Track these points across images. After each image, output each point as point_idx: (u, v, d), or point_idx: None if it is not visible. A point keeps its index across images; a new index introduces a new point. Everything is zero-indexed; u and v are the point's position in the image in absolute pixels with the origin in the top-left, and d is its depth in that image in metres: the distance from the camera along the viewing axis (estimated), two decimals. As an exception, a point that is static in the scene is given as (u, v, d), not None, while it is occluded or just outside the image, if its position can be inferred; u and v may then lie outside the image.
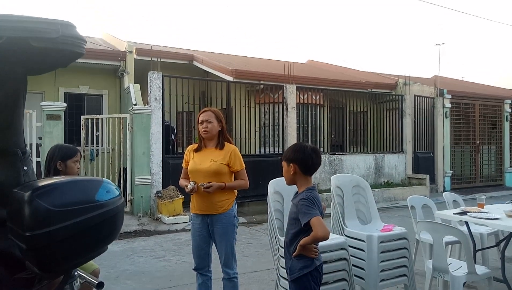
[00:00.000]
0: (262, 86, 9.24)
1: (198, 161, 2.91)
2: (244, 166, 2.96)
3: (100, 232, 1.50)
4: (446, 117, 11.79)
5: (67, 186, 1.48)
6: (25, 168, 1.81)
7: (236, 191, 3.01)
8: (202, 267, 3.02)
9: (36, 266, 1.43)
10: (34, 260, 1.42)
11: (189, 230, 6.67)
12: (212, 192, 2.77)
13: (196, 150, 2.98)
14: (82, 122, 8.02)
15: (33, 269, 1.46)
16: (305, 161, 2.15)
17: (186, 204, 7.20)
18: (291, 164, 2.16)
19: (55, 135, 7.23)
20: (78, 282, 1.73)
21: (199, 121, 2.92)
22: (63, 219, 1.37)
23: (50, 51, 1.40)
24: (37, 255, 1.39)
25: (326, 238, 2.00)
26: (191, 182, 2.82)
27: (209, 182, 2.76)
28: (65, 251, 1.41)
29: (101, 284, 1.68)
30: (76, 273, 1.68)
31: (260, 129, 9.11)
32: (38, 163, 7.26)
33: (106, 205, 1.50)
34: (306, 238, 2.04)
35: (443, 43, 12.09)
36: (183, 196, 7.09)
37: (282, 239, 2.52)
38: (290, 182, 2.22)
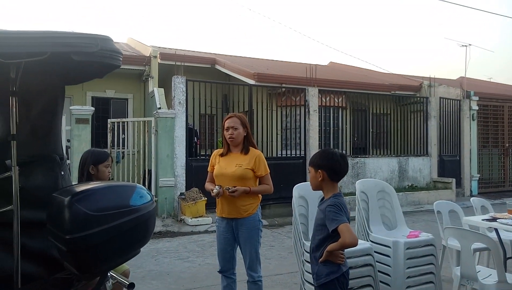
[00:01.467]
0: (283, 89, 9.26)
1: (223, 166, 2.96)
2: (269, 171, 2.99)
3: (134, 235, 1.57)
4: (473, 120, 11.47)
5: (103, 191, 1.55)
6: (62, 173, 1.90)
7: (260, 196, 3.04)
8: (227, 270, 3.06)
9: (74, 268, 1.51)
10: (73, 261, 1.49)
11: (212, 231, 6.76)
12: (237, 196, 2.81)
13: (222, 155, 3.03)
14: (109, 125, 8.25)
15: (72, 270, 1.54)
16: (333, 167, 2.15)
17: (209, 206, 7.30)
18: (319, 170, 2.16)
19: (83, 138, 7.47)
20: (111, 282, 1.80)
21: (225, 128, 2.97)
22: (101, 223, 1.44)
23: (89, 64, 1.48)
24: (76, 257, 1.47)
25: (354, 245, 2.00)
26: (217, 186, 2.87)
27: (234, 187, 2.81)
28: (102, 253, 1.48)
29: (132, 285, 1.74)
30: (109, 274, 1.74)
31: (281, 132, 9.12)
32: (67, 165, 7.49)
33: (139, 210, 1.56)
34: (333, 244, 2.04)
35: (469, 44, 11.73)
36: (206, 198, 7.18)
37: (307, 243, 2.53)
38: (316, 188, 2.22)
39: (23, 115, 1.73)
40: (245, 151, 2.96)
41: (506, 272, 2.96)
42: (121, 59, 1.51)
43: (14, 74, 1.55)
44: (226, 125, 2.97)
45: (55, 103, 1.78)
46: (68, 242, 1.42)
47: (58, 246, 1.51)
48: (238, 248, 3.07)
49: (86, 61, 1.40)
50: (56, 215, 1.51)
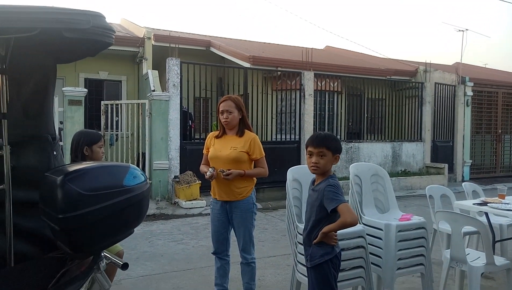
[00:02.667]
0: (279, 72, 9.19)
1: (218, 148, 2.96)
2: (264, 155, 2.99)
3: (127, 215, 1.57)
4: (468, 106, 11.52)
5: (96, 171, 1.54)
6: (55, 153, 1.88)
7: (255, 179, 3.04)
8: (220, 252, 3.10)
9: (67, 247, 1.51)
10: (66, 241, 1.49)
11: (206, 214, 6.80)
12: (232, 179, 2.81)
13: (217, 137, 3.03)
14: (102, 108, 8.16)
15: (65, 249, 1.54)
16: (341, 150, 2.22)
17: (203, 189, 7.32)
18: (337, 154, 2.17)
19: (76, 120, 7.39)
20: (104, 262, 1.81)
21: (220, 111, 2.96)
22: (94, 202, 1.43)
23: (80, 41, 1.45)
24: (69, 236, 1.46)
25: (354, 224, 2.01)
26: (211, 169, 2.87)
27: (229, 169, 2.81)
28: (95, 233, 1.48)
29: (125, 265, 1.75)
30: (102, 254, 1.75)
31: (276, 116, 9.10)
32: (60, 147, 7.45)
33: (133, 190, 1.55)
34: (331, 225, 2.06)
35: (466, 30, 11.68)
36: (200, 181, 7.20)
37: (300, 225, 2.55)
38: (324, 173, 2.18)
39: (14, 94, 1.70)
40: (240, 133, 2.95)
41: (494, 254, 3.02)
42: (113, 37, 1.48)
43: (4, 51, 1.52)
44: (220, 108, 2.96)
45: (46, 82, 1.75)
46: (61, 221, 1.41)
47: (51, 225, 1.51)
48: (232, 230, 3.09)
49: (77, 39, 1.37)
50: (48, 195, 1.50)
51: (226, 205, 2.95)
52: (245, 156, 2.89)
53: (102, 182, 1.48)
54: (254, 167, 2.99)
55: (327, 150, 2.14)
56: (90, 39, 1.39)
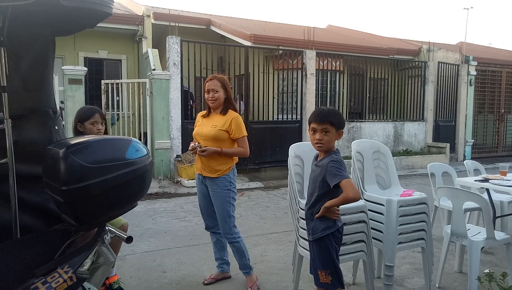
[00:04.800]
0: (280, 51, 9.08)
1: (201, 126, 3.03)
2: (245, 134, 3.00)
3: (130, 188, 1.57)
4: (471, 85, 11.41)
5: (98, 144, 1.53)
6: (56, 127, 1.87)
7: (236, 158, 3.07)
8: (212, 226, 3.15)
9: (72, 219, 1.52)
10: (70, 213, 1.50)
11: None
12: (206, 156, 2.88)
13: (204, 116, 3.09)
14: (102, 87, 8.12)
15: (70, 221, 1.55)
16: (344, 125, 2.19)
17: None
18: (340, 130, 2.16)
19: (77, 99, 7.37)
20: (109, 236, 1.82)
21: (206, 90, 2.99)
22: (97, 175, 1.43)
23: (78, 11, 1.42)
24: (73, 208, 1.47)
25: (357, 199, 2.01)
26: (196, 143, 2.96)
27: (206, 147, 2.88)
28: (99, 205, 1.48)
29: (130, 239, 1.76)
30: (107, 228, 1.76)
31: (278, 96, 9.04)
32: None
33: (135, 163, 1.55)
34: (334, 199, 2.06)
35: (471, 7, 11.46)
36: (202, 161, 7.22)
37: (302, 201, 2.57)
38: (328, 149, 2.16)
39: (13, 67, 1.68)
40: (224, 112, 2.98)
41: (494, 230, 3.05)
42: (112, 6, 1.45)
43: (1, 22, 1.49)
44: (206, 87, 2.98)
45: (46, 55, 1.72)
46: (65, 193, 1.41)
47: (55, 198, 1.51)
48: None
49: (75, 8, 1.33)
50: (51, 168, 1.50)
51: (205, 180, 3.01)
52: (225, 134, 2.92)
53: (104, 155, 1.48)
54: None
55: (331, 126, 2.12)
56: (88, 8, 1.35)
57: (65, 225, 1.67)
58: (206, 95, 3.00)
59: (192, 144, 2.94)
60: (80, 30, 1.73)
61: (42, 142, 1.68)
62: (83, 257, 1.54)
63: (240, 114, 9.42)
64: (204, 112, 3.13)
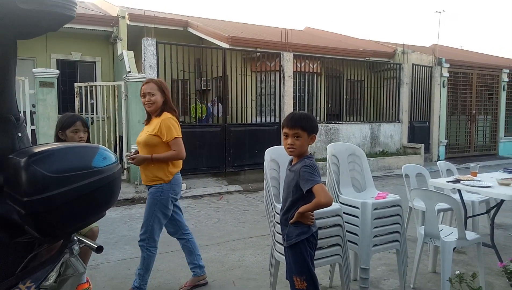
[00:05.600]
0: (258, 53, 9.09)
1: (141, 133, 2.98)
2: (177, 136, 2.85)
3: (97, 198, 1.51)
4: (444, 86, 11.74)
5: (63, 152, 1.47)
6: (20, 134, 1.79)
7: (178, 165, 2.94)
8: (174, 232, 3.13)
9: (35, 231, 1.45)
10: (33, 224, 1.43)
11: (187, 197, 6.77)
12: (137, 164, 2.83)
13: (146, 123, 3.01)
14: (75, 90, 7.91)
15: (33, 233, 1.48)
16: (318, 130, 2.18)
17: (183, 172, 7.23)
18: (313, 134, 2.14)
19: (49, 103, 7.14)
20: (78, 246, 1.76)
21: (142, 94, 2.91)
22: (60, 184, 1.37)
23: (39, 14, 1.35)
24: (36, 220, 1.40)
25: (329, 204, 2.00)
26: (132, 151, 2.93)
27: (136, 154, 2.84)
28: (64, 216, 1.42)
29: (100, 248, 1.70)
30: (75, 238, 1.70)
31: (256, 98, 9.04)
32: (32, 130, 7.21)
33: (103, 172, 1.50)
34: (307, 205, 2.05)
35: (443, 11, 11.82)
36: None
37: (278, 206, 2.55)
38: (301, 154, 2.14)
39: (-29, 72, 1.60)
40: (159, 116, 2.88)
41: (466, 230, 3.12)
42: (75, 9, 1.39)
43: (-43, 25, 1.41)
44: (142, 91, 2.90)
45: (6, 59, 1.64)
46: (27, 204, 1.35)
47: (17, 209, 1.44)
48: (178, 209, 3.13)
49: (36, 11, 1.27)
50: (13, 178, 1.43)
51: (147, 188, 2.97)
52: (155, 139, 2.80)
53: (69, 164, 1.42)
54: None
55: (302, 130, 2.10)
56: (49, 11, 1.30)
57: (29, 238, 1.60)
58: (142, 100, 2.91)
59: (127, 153, 2.86)
60: (43, 33, 1.66)
61: (4, 151, 1.61)
62: (48, 271, 1.47)
63: (218, 116, 9.24)
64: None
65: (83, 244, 1.75)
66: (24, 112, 6.84)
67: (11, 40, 1.61)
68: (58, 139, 2.68)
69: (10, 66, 1.66)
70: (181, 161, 2.99)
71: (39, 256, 1.55)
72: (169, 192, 2.88)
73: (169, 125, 2.82)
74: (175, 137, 2.83)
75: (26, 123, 2.64)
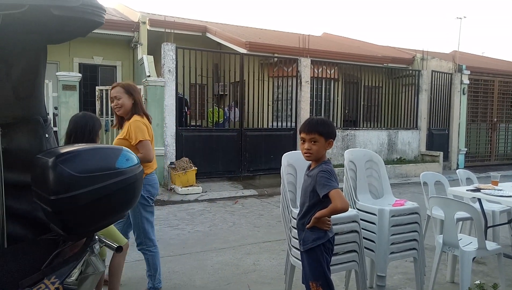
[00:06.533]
0: (276, 59, 9.13)
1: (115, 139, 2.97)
2: (143, 139, 2.79)
3: (120, 198, 1.56)
4: (464, 94, 11.52)
5: (88, 153, 1.52)
6: (47, 135, 1.86)
7: (150, 166, 2.90)
8: (138, 243, 3.06)
9: (60, 228, 1.50)
10: (58, 222, 1.49)
11: (202, 200, 6.82)
12: None
13: (119, 127, 2.99)
14: (97, 93, 8.09)
15: (58, 231, 1.53)
16: (335, 135, 2.18)
17: (199, 176, 7.33)
18: (330, 139, 2.14)
19: (71, 105, 7.33)
20: (98, 245, 1.81)
21: (110, 99, 2.90)
22: (86, 184, 1.42)
23: (70, 20, 1.41)
24: (62, 218, 1.46)
25: (345, 210, 2.00)
26: None
27: None
28: (88, 215, 1.47)
29: (119, 248, 1.75)
30: (96, 237, 1.75)
31: (273, 103, 9.07)
32: (54, 132, 7.40)
33: (125, 173, 1.54)
34: (323, 210, 2.06)
35: (464, 17, 11.62)
36: (196, 168, 7.20)
37: (295, 210, 2.56)
38: (318, 158, 2.16)
39: (3, 75, 1.67)
40: (129, 119, 2.85)
41: (486, 240, 3.06)
42: (104, 15, 1.44)
43: (-8, 30, 1.49)
44: (110, 96, 2.89)
45: (37, 63, 1.72)
46: (53, 203, 1.40)
47: (44, 207, 1.50)
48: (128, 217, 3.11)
49: (67, 17, 1.33)
50: (40, 177, 1.49)
51: None
52: (125, 143, 2.74)
53: (94, 164, 1.47)
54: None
55: (319, 135, 2.11)
56: (79, 18, 1.35)
57: (54, 235, 1.65)
58: (111, 104, 2.91)
59: None
60: (72, 38, 1.73)
61: (32, 151, 1.67)
62: (71, 268, 1.52)
63: (234, 121, 9.27)
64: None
65: (104, 244, 1.80)
66: (47, 114, 7.04)
67: (42, 45, 1.69)
68: (95, 137, 2.63)
69: (40, 70, 1.73)
70: (153, 162, 2.96)
71: (63, 253, 1.60)
72: (143, 192, 2.85)
73: (137, 127, 2.78)
74: (141, 140, 2.77)
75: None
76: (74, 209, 1.43)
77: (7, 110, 1.66)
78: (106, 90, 8.10)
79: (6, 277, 1.40)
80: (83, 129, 2.57)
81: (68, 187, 1.39)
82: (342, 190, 2.86)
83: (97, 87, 8.33)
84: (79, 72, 8.93)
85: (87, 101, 9.50)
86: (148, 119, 2.97)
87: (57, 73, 7.51)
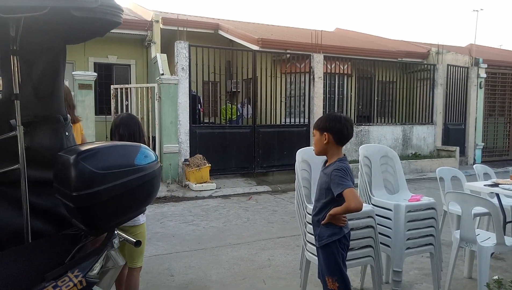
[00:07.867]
0: (288, 55, 9.10)
1: None
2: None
3: (139, 194, 1.59)
4: (481, 88, 11.30)
5: (108, 150, 1.56)
6: (67, 133, 1.91)
7: None
8: None
9: (82, 224, 1.55)
10: (80, 218, 1.53)
11: (216, 197, 6.88)
12: None
13: None
14: (112, 92, 8.21)
15: (80, 226, 1.58)
16: (340, 130, 2.13)
17: (213, 172, 7.38)
18: (324, 133, 2.14)
19: (87, 104, 7.46)
20: (118, 240, 1.85)
21: None
22: (106, 181, 1.46)
23: (89, 21, 1.45)
24: (83, 214, 1.50)
25: (358, 210, 2.01)
26: None
27: None
28: (109, 210, 1.51)
29: (138, 243, 1.79)
30: (116, 232, 1.79)
31: (286, 99, 9.05)
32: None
33: (144, 169, 1.58)
34: (337, 208, 2.06)
35: (481, 9, 11.39)
36: (210, 165, 7.26)
37: (309, 206, 2.57)
38: (321, 152, 2.20)
39: (25, 75, 1.72)
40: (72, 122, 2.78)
41: (504, 235, 3.01)
42: (122, 15, 1.48)
43: (14, 31, 1.53)
44: None
45: (57, 63, 1.76)
46: (75, 199, 1.44)
47: (66, 203, 1.54)
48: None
49: (86, 18, 1.37)
50: (62, 173, 1.53)
51: None
52: None
53: (114, 161, 1.51)
54: None
55: (316, 130, 2.20)
56: (98, 18, 1.38)
57: (75, 230, 1.70)
58: None
59: None
60: (90, 38, 1.77)
61: (53, 148, 1.72)
62: (93, 262, 1.56)
63: (247, 117, 9.30)
64: None
65: (123, 239, 1.84)
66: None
67: (62, 45, 1.73)
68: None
69: (60, 69, 1.78)
70: None
71: (85, 248, 1.65)
72: None
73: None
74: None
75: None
76: (95, 205, 1.47)
77: (28, 109, 1.71)
78: (121, 88, 8.21)
79: (31, 270, 1.45)
80: (134, 131, 2.61)
81: (90, 183, 1.43)
82: (357, 186, 2.86)
83: (112, 86, 8.44)
84: (94, 71, 9.07)
85: (102, 99, 9.65)
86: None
87: (73, 73, 7.65)
